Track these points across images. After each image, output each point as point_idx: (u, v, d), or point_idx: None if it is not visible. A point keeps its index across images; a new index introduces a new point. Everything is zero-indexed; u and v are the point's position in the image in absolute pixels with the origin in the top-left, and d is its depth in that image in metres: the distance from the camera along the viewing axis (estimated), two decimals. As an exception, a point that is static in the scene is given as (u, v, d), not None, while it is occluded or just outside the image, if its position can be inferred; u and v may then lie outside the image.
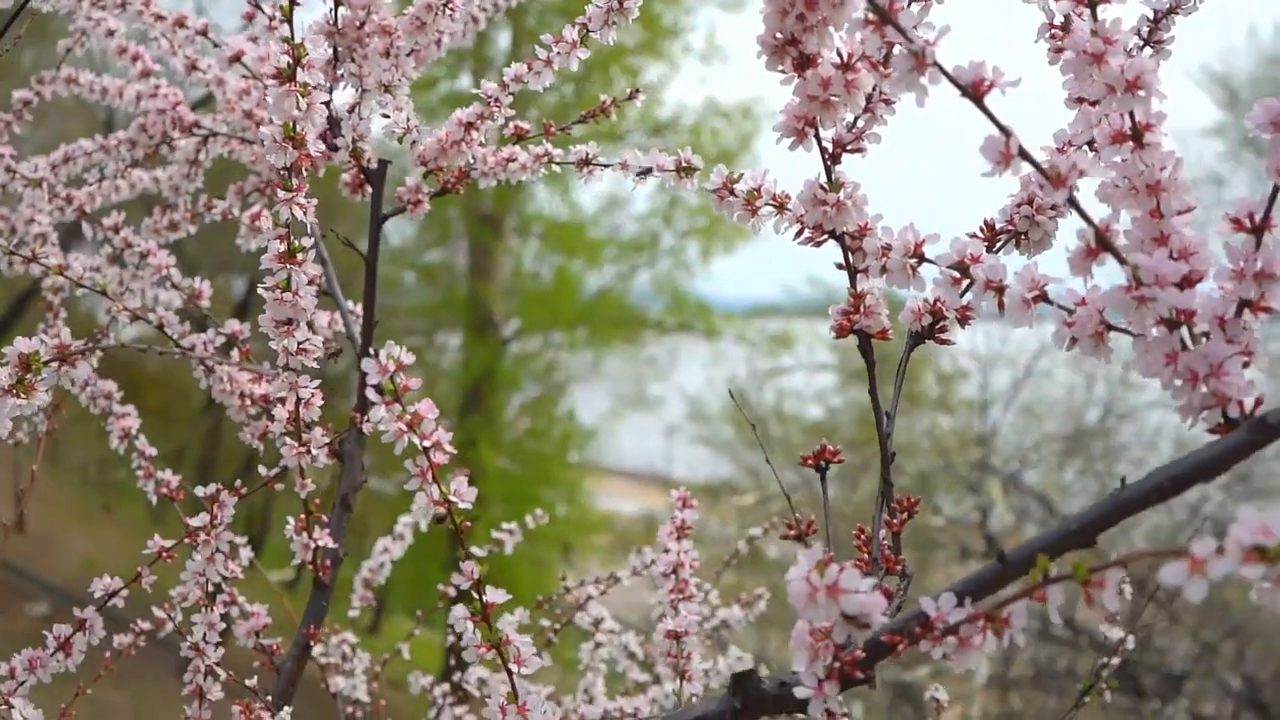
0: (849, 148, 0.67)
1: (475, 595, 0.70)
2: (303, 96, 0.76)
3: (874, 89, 0.67)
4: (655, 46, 11.07)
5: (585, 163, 1.01)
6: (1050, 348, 7.93)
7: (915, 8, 0.60)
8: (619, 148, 10.74)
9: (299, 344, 0.88)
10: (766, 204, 0.71)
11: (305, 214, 0.80)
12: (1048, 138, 0.69)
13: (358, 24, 1.00)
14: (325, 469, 1.01)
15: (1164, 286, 0.55)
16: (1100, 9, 0.59)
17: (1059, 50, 0.67)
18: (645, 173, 0.94)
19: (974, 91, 0.55)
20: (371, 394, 0.66)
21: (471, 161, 1.04)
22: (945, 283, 0.64)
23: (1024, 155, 0.55)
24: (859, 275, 0.69)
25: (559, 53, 0.96)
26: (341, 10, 0.99)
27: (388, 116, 0.98)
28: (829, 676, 0.59)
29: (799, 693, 0.59)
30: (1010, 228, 0.74)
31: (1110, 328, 0.59)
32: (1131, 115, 0.59)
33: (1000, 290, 0.62)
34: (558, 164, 1.04)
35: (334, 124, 1.03)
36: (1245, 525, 0.42)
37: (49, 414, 1.26)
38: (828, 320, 0.72)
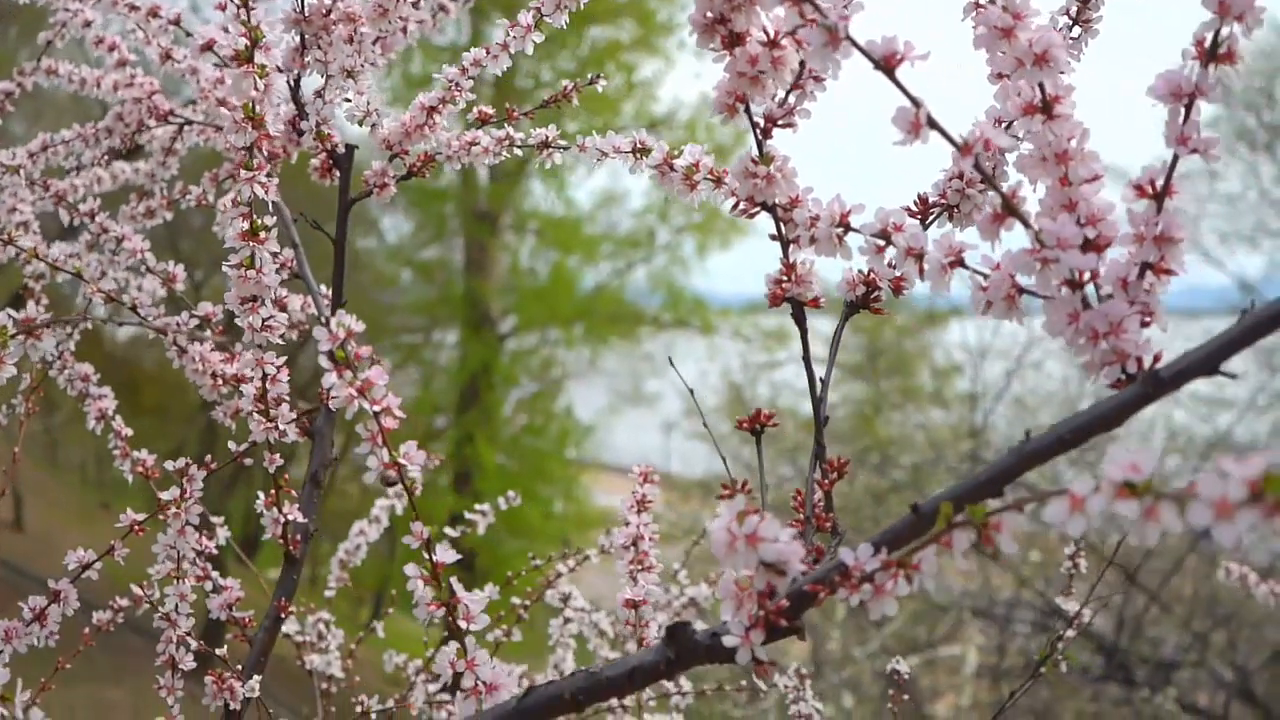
0: (780, 123, 0.70)
1: (425, 556, 0.73)
2: (260, 77, 0.78)
3: (804, 67, 0.69)
4: (650, 42, 11.09)
5: (545, 145, 1.04)
6: (1040, 340, 7.95)
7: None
8: (629, 159, 10.72)
9: (263, 320, 0.90)
10: (704, 179, 0.73)
11: (266, 192, 0.83)
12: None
13: (324, 11, 1.03)
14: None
15: (1066, 249, 0.58)
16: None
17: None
18: (602, 156, 0.97)
19: (886, 64, 0.58)
20: (323, 361, 0.69)
21: (435, 145, 1.06)
22: (870, 250, 0.67)
23: (933, 125, 0.58)
24: (791, 245, 0.71)
25: (514, 37, 0.99)
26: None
27: (349, 100, 1.01)
28: (755, 625, 0.62)
29: (727, 641, 0.62)
30: (942, 201, 0.77)
31: (1021, 290, 0.62)
32: (1041, 87, 0.61)
33: (920, 257, 0.65)
34: (519, 147, 1.07)
35: (301, 109, 1.06)
36: (1116, 464, 0.45)
37: (28, 397, 1.28)
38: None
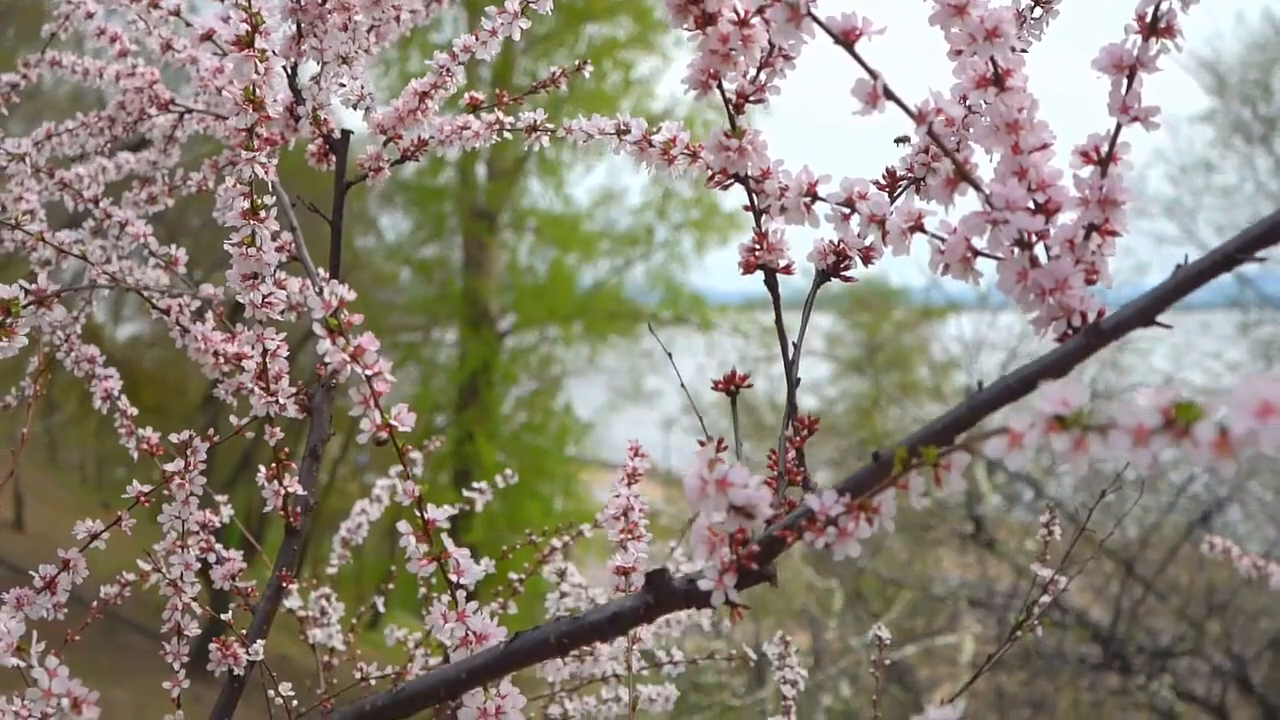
0: (750, 98, 0.73)
1: (416, 511, 0.77)
2: (261, 61, 0.82)
3: (773, 46, 0.73)
4: (647, 40, 11.13)
5: (533, 129, 1.08)
6: (1032, 332, 8.00)
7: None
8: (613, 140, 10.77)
9: (264, 297, 0.94)
10: (681, 153, 0.77)
11: (266, 173, 0.87)
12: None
13: (319, 1, 1.06)
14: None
15: (1014, 210, 0.62)
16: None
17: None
18: (588, 137, 1.01)
19: (845, 39, 0.62)
20: (317, 328, 0.73)
21: (428, 130, 1.10)
22: (836, 218, 0.71)
23: (889, 95, 0.62)
24: (763, 215, 0.75)
25: (503, 23, 1.03)
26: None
27: (344, 85, 1.05)
28: (728, 569, 0.66)
29: (702, 585, 0.66)
30: (909, 174, 0.81)
31: (976, 253, 0.66)
32: (993, 61, 0.65)
33: (882, 223, 0.69)
34: (508, 131, 1.11)
35: (298, 96, 1.10)
36: (1047, 398, 0.49)
37: (36, 380, 1.32)
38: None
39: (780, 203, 0.73)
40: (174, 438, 1.02)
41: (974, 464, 6.89)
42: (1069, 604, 6.70)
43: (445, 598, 0.77)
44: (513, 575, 1.45)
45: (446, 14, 1.76)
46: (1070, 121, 0.73)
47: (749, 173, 0.74)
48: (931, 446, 0.57)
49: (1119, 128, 0.64)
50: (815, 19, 0.62)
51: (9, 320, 0.77)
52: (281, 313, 1.00)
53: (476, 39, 1.05)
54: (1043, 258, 0.64)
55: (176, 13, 1.25)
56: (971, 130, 0.76)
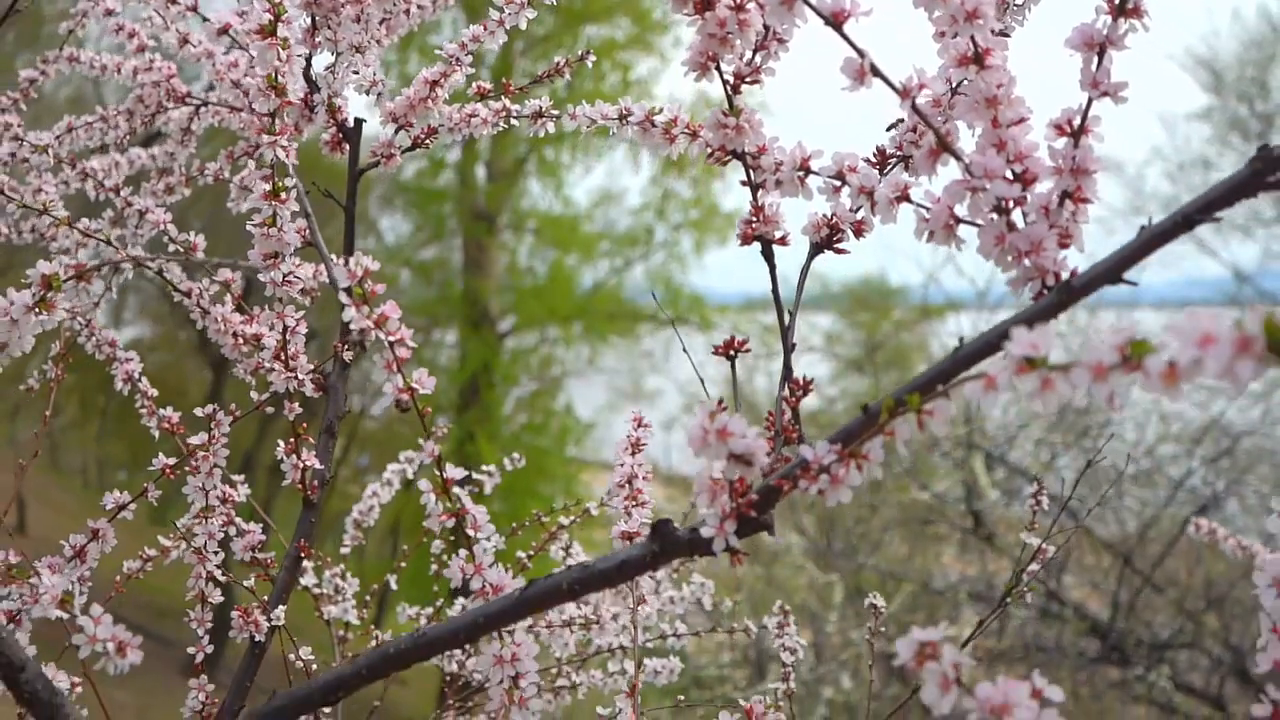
0: (747, 79, 0.78)
1: (436, 472, 0.81)
2: (283, 49, 0.87)
3: (768, 30, 0.78)
4: (645, 41, 11.18)
5: (539, 115, 1.12)
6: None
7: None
8: (609, 139, 10.84)
9: (284, 275, 0.99)
10: (682, 133, 0.82)
11: (287, 155, 0.91)
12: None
13: (333, -6, 1.11)
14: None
15: (992, 179, 0.66)
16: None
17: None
18: (591, 122, 1.05)
19: (835, 20, 0.67)
20: (343, 297, 0.77)
21: (438, 117, 1.15)
22: (828, 190, 0.76)
23: (876, 73, 0.67)
24: (759, 190, 0.80)
25: (510, 13, 1.08)
26: (318, -18, 1.10)
27: (357, 73, 1.10)
28: (729, 517, 0.70)
29: (704, 532, 0.71)
30: (899, 152, 0.85)
31: (958, 220, 0.70)
32: (973, 41, 0.70)
33: (871, 194, 0.74)
34: (515, 118, 1.15)
35: (313, 86, 1.15)
36: (1018, 342, 0.53)
37: (58, 363, 1.37)
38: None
39: (776, 177, 0.78)
40: (198, 411, 1.07)
41: (973, 459, 6.95)
42: (1067, 597, 6.75)
43: (463, 551, 0.82)
44: (521, 553, 1.49)
45: (446, 16, 1.80)
46: (1048, 99, 0.78)
47: (746, 149, 0.78)
48: (916, 395, 0.61)
49: (1090, 102, 0.69)
50: (807, 2, 0.66)
51: (50, 294, 0.82)
52: (301, 293, 1.05)
53: (485, 29, 1.10)
54: (1020, 223, 0.68)
55: (194, 8, 1.29)
56: (955, 107, 0.81)
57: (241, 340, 1.20)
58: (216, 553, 1.11)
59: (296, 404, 1.12)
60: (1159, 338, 0.49)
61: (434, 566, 1.44)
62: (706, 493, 0.70)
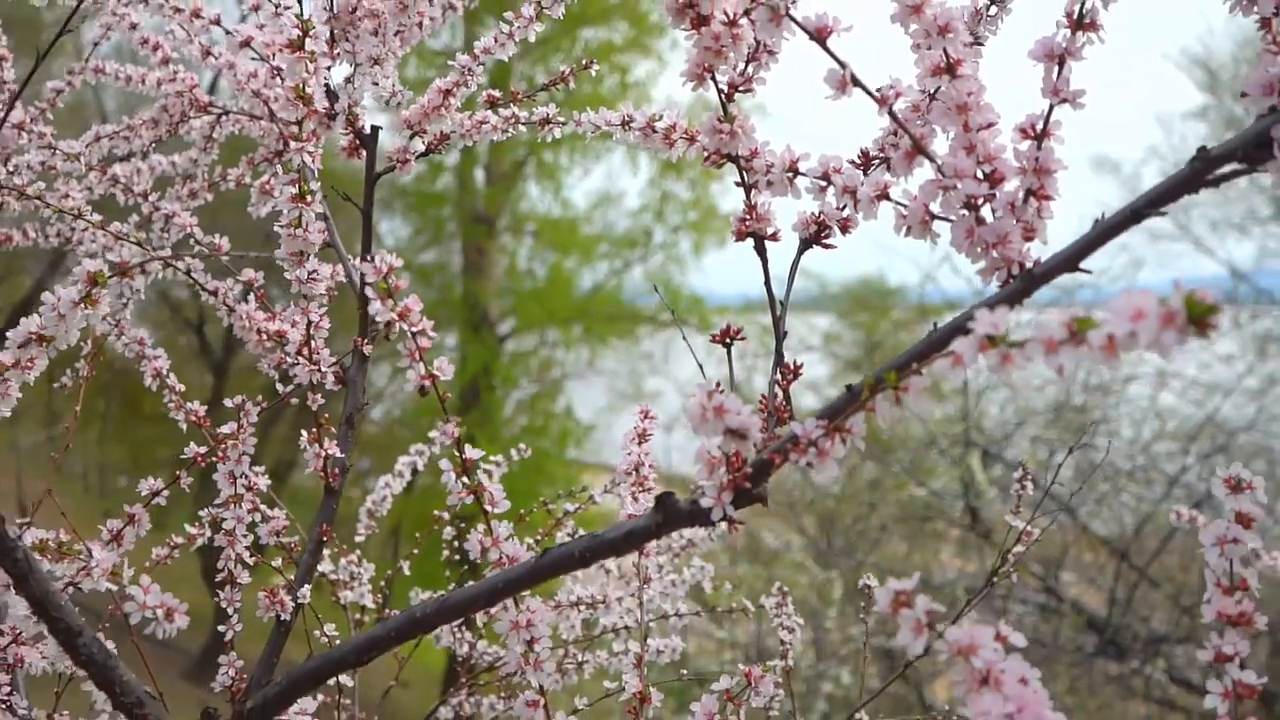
0: (740, 88, 0.85)
1: (456, 453, 0.88)
2: (310, 62, 0.94)
3: (759, 43, 0.85)
4: (642, 43, 11.26)
5: (546, 121, 1.19)
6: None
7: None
8: (611, 141, 10.94)
9: (309, 273, 1.06)
10: (681, 138, 0.89)
11: (313, 161, 0.98)
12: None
13: (350, 9, 1.18)
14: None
15: (963, 179, 0.73)
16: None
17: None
18: (596, 128, 1.12)
19: (819, 35, 0.74)
20: (369, 291, 0.84)
21: (451, 124, 1.22)
22: (814, 190, 0.83)
23: (856, 83, 0.74)
24: (752, 190, 0.87)
25: (519, 26, 1.15)
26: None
27: (377, 84, 1.17)
28: (726, 488, 0.77)
29: (703, 502, 0.77)
30: (881, 154, 0.92)
31: (933, 216, 0.77)
32: (945, 52, 0.77)
33: (854, 193, 0.80)
34: (523, 124, 1.22)
35: (332, 96, 1.22)
36: (981, 322, 0.60)
37: (89, 361, 1.43)
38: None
39: (767, 178, 0.84)
40: (227, 402, 1.14)
41: (970, 456, 7.02)
42: (1065, 593, 6.81)
43: (481, 526, 0.88)
44: (528, 540, 1.56)
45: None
46: (1019, 104, 0.84)
47: (739, 152, 0.85)
48: (893, 373, 0.68)
49: (1051, 108, 0.76)
50: (793, 19, 0.73)
51: (95, 290, 0.89)
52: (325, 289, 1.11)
53: (495, 41, 1.17)
54: (989, 218, 0.75)
55: (216, 21, 1.36)
56: (931, 112, 0.88)
57: (265, 336, 1.27)
58: (245, 536, 1.18)
59: (319, 396, 1.19)
60: (1099, 316, 0.55)
61: (445, 552, 1.50)
62: (705, 466, 0.77)
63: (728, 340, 0.90)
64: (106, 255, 1.49)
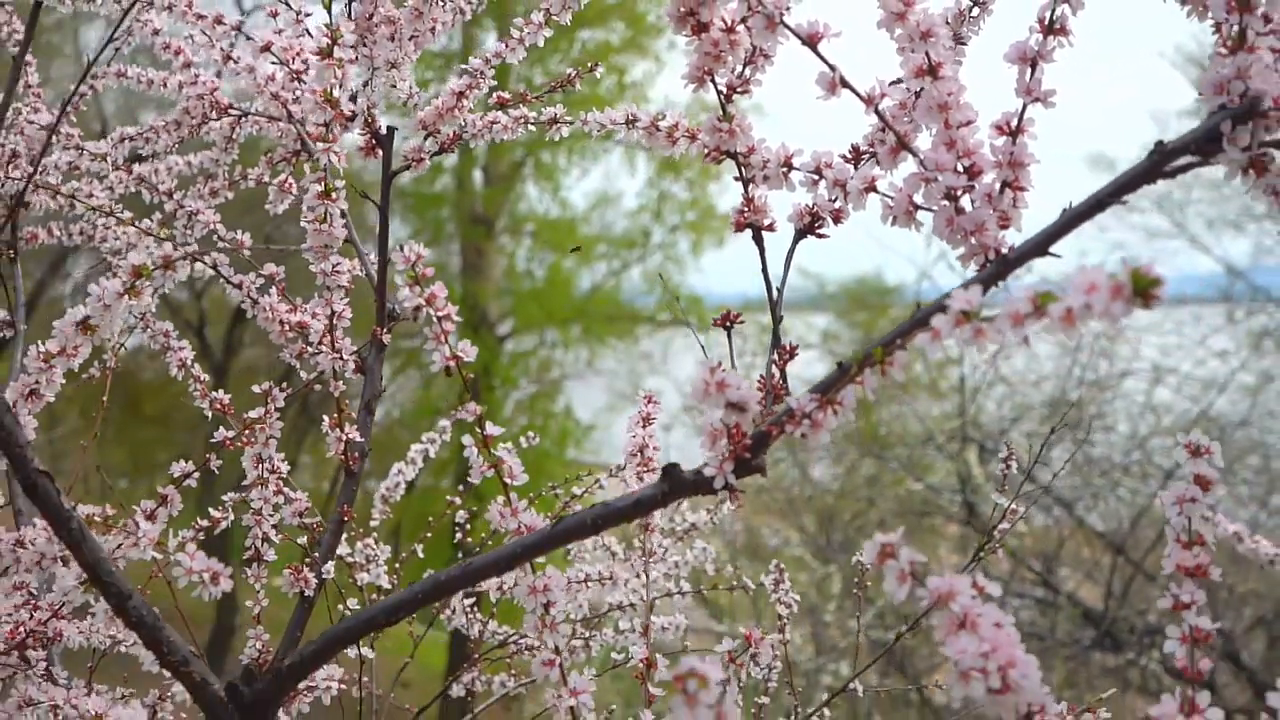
0: (738, 90, 0.92)
1: (477, 430, 0.95)
2: (339, 68, 1.00)
3: (755, 48, 0.91)
4: (640, 44, 11.32)
5: (554, 121, 1.26)
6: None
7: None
8: (610, 141, 11.03)
9: (333, 265, 1.12)
10: (683, 136, 0.95)
11: (340, 160, 1.05)
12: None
13: (368, 16, 1.25)
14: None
15: (943, 171, 0.80)
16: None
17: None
18: (601, 127, 1.19)
19: (810, 41, 0.80)
20: (398, 278, 0.91)
21: (463, 124, 1.29)
22: (807, 183, 0.89)
23: (845, 84, 0.80)
24: (750, 184, 0.93)
25: (529, 32, 1.22)
26: (355, 5, 1.24)
27: (395, 87, 1.23)
28: (727, 459, 0.83)
29: (706, 472, 0.84)
30: (870, 149, 0.99)
31: (916, 206, 0.84)
32: (928, 55, 0.83)
33: (844, 185, 0.87)
34: (532, 124, 1.29)
35: (350, 98, 1.28)
36: (956, 299, 0.67)
37: (115, 352, 1.50)
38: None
39: (763, 172, 0.91)
40: (255, 389, 1.20)
41: (967, 451, 7.10)
42: (1061, 587, 6.89)
43: (500, 498, 0.95)
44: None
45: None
46: (997, 102, 0.91)
47: (738, 149, 0.92)
48: (880, 349, 0.75)
49: (1025, 107, 0.82)
50: (786, 25, 0.80)
51: (139, 282, 0.95)
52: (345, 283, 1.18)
53: (506, 46, 1.23)
54: (968, 208, 0.82)
55: (238, 28, 1.43)
56: (916, 110, 0.94)
57: (287, 327, 1.33)
58: (271, 515, 1.24)
59: (340, 382, 1.25)
60: (1059, 290, 0.62)
61: (458, 534, 1.57)
62: (708, 438, 0.83)
63: (728, 324, 0.96)
64: (130, 252, 1.56)
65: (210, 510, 1.44)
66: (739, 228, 0.94)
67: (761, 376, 0.97)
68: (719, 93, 0.91)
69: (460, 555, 1.70)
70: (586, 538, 0.89)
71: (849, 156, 0.98)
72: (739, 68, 0.92)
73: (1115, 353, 8.44)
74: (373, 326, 1.27)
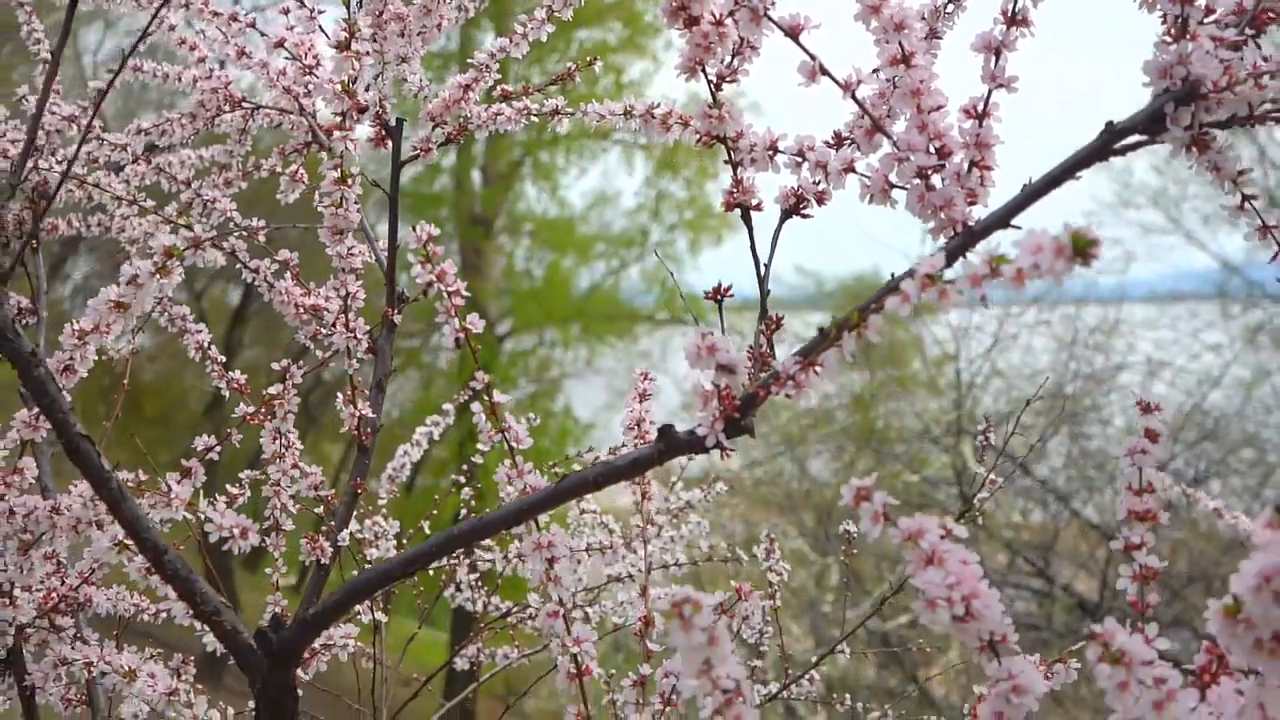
0: (727, 79, 0.99)
1: (486, 397, 1.02)
2: (356, 60, 1.07)
3: (743, 40, 0.98)
4: (637, 43, 11.41)
5: (555, 112, 1.33)
6: (1013, 316, 8.29)
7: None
8: (607, 141, 11.08)
9: (349, 248, 1.19)
10: (677, 123, 1.02)
11: (355, 148, 1.12)
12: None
13: (378, 12, 1.32)
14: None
15: (915, 152, 0.87)
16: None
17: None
18: (600, 119, 1.26)
19: (792, 32, 0.87)
20: (410, 256, 0.98)
21: (468, 116, 1.36)
22: (791, 165, 0.96)
23: (824, 72, 0.87)
24: (738, 166, 1.00)
25: (532, 27, 1.29)
26: (365, 2, 1.31)
27: (405, 80, 1.30)
28: (718, 419, 0.90)
29: (699, 431, 0.91)
30: (851, 135, 1.06)
31: (891, 185, 0.91)
32: (901, 45, 0.90)
33: (824, 167, 0.94)
34: (534, 115, 1.36)
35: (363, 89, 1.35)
36: (923, 265, 0.74)
37: (134, 333, 1.57)
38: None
39: (750, 156, 0.98)
40: (274, 365, 1.27)
41: (962, 443, 7.18)
42: (1057, 578, 6.96)
43: (507, 461, 1.02)
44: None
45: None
46: (968, 88, 0.98)
47: (727, 134, 0.99)
48: (856, 313, 0.82)
49: (990, 92, 0.89)
50: (770, 18, 0.87)
51: (170, 262, 1.02)
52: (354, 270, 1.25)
53: (510, 41, 1.30)
54: (939, 186, 0.89)
55: (253, 24, 1.50)
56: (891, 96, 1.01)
57: (301, 310, 1.40)
58: (289, 487, 1.31)
59: (354, 361, 1.32)
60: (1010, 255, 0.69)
61: (464, 511, 1.63)
62: (700, 399, 0.90)
63: (719, 297, 1.03)
64: (148, 241, 1.63)
65: (228, 487, 1.52)
66: (728, 207, 1.01)
67: (750, 347, 1.04)
68: (709, 82, 0.98)
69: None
70: (589, 493, 0.96)
71: (833, 142, 1.05)
72: (728, 58, 0.99)
73: (1111, 347, 8.53)
74: (384, 309, 1.34)
